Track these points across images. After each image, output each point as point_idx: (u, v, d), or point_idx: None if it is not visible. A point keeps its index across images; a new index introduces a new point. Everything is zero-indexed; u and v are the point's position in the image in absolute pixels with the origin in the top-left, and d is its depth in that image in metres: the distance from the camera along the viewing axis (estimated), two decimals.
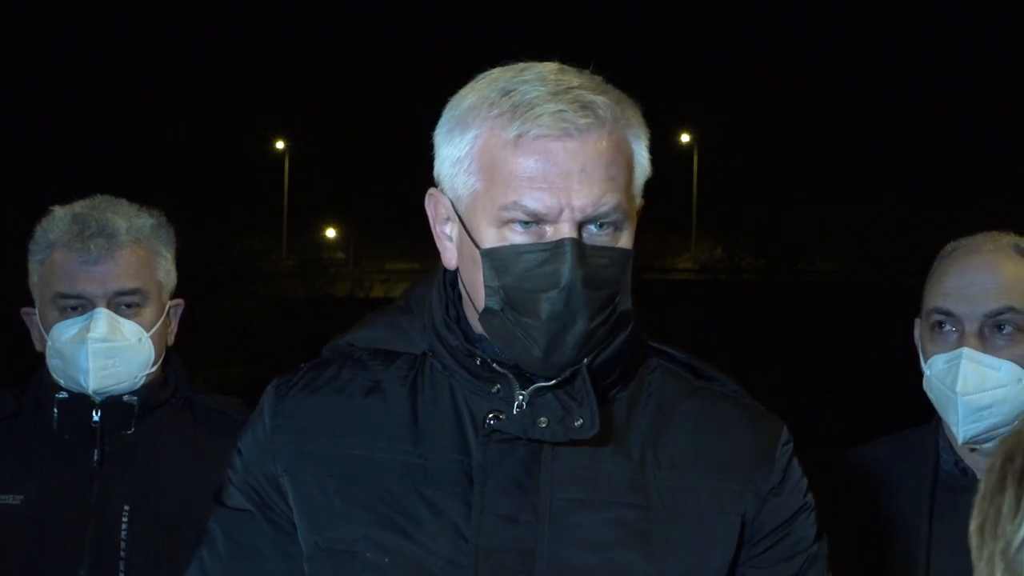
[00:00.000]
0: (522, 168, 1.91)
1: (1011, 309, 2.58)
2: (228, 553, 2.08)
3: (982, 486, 1.42)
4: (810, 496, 2.10)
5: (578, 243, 1.91)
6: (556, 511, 1.97)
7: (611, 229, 1.94)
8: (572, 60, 2.01)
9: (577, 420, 1.95)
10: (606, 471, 1.99)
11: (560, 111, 1.90)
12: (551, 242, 1.91)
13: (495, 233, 1.94)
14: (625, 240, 1.96)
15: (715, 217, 33.72)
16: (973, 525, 1.42)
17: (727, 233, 32.76)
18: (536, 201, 1.91)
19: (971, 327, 2.58)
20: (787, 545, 2.06)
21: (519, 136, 1.91)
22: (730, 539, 2.02)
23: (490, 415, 1.98)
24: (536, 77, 1.94)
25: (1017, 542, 1.35)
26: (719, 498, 2.02)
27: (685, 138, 36.24)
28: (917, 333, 2.69)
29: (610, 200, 1.92)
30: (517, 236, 1.93)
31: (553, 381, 1.97)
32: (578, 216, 1.91)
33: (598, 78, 1.98)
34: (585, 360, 1.96)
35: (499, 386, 1.99)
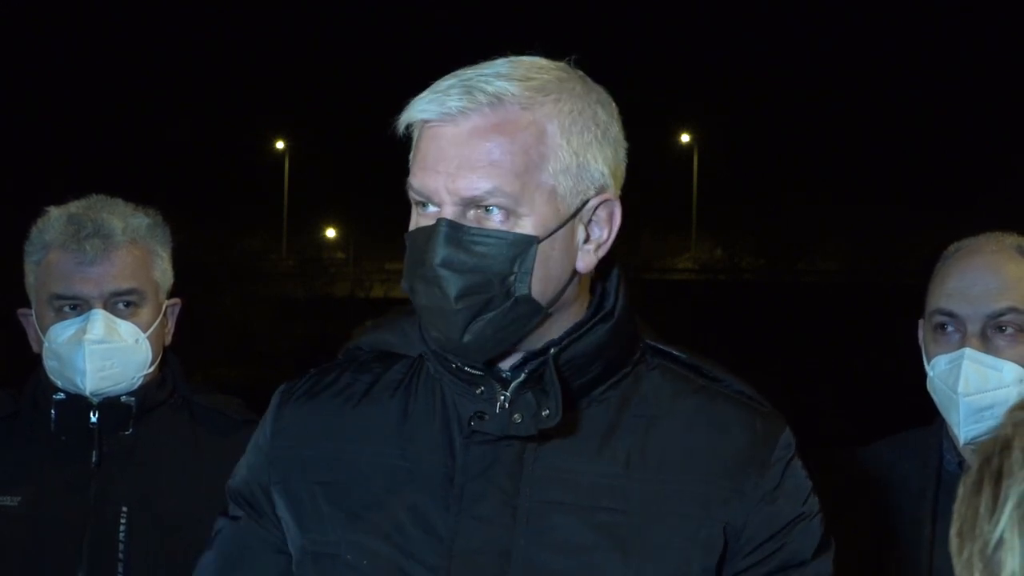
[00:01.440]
0: (416, 150, 1.96)
1: (1013, 310, 2.57)
2: (222, 561, 2.10)
3: (960, 490, 1.42)
4: (811, 504, 2.04)
5: (451, 224, 1.90)
6: (534, 513, 1.95)
7: (501, 213, 1.91)
8: (572, 60, 2.00)
9: (544, 411, 1.94)
10: (588, 473, 1.97)
11: (437, 95, 1.92)
12: (431, 224, 1.93)
13: (414, 216, 1.97)
14: (526, 226, 1.92)
15: (715, 217, 33.72)
16: (953, 529, 1.42)
17: (727, 233, 32.76)
18: (419, 182, 1.94)
19: (973, 328, 2.58)
20: (779, 560, 2.00)
21: (411, 120, 1.96)
22: (712, 545, 1.97)
23: (473, 416, 1.97)
24: (474, 67, 1.95)
25: (994, 541, 1.36)
26: (703, 502, 1.98)
27: (685, 138, 36.26)
28: (921, 334, 2.69)
29: (487, 184, 1.90)
30: (421, 219, 1.96)
31: (523, 376, 1.96)
32: (454, 198, 1.91)
33: (558, 69, 1.96)
34: (552, 351, 1.96)
35: (483, 388, 1.98)
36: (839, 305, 26.51)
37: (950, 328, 2.61)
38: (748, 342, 22.83)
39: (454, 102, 1.91)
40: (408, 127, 1.98)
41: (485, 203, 1.91)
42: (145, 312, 2.83)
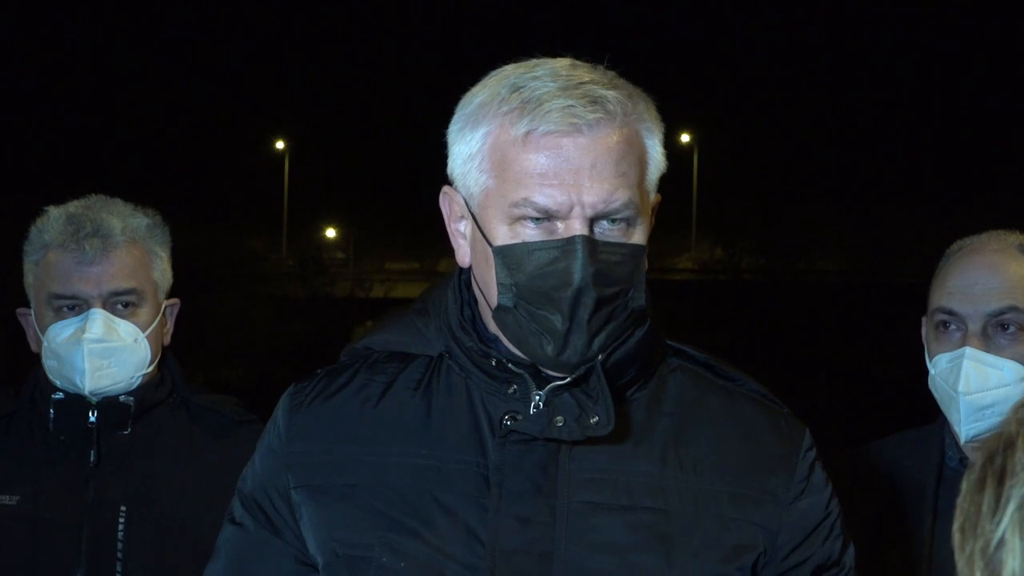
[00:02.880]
0: (532, 164, 1.89)
1: (1014, 308, 2.57)
2: (229, 569, 2.08)
3: (963, 486, 1.43)
4: (834, 505, 2.06)
5: (589, 240, 1.88)
6: (573, 513, 1.94)
7: (623, 225, 1.91)
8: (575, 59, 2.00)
9: (593, 417, 1.93)
10: (625, 472, 1.97)
11: (569, 106, 1.88)
12: (562, 239, 1.89)
13: (507, 230, 1.92)
14: (638, 236, 1.93)
15: (715, 217, 33.71)
16: (955, 525, 1.42)
17: (727, 233, 32.75)
18: (547, 198, 1.88)
19: (974, 326, 2.58)
20: (815, 562, 2.03)
21: (528, 132, 1.89)
22: (748, 546, 1.98)
23: (507, 416, 1.96)
24: (547, 73, 1.92)
25: (996, 540, 1.36)
26: (738, 503, 1.99)
27: (685, 138, 36.24)
28: (923, 332, 2.69)
29: (621, 196, 1.90)
30: (529, 232, 1.91)
31: (568, 379, 1.95)
32: (589, 212, 1.89)
33: (611, 73, 1.96)
34: (600, 357, 1.94)
35: (516, 387, 1.97)
36: (839, 305, 26.51)
37: (951, 326, 2.61)
38: (748, 342, 22.81)
39: (588, 113, 1.88)
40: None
41: (617, 216, 1.90)
42: (144, 312, 2.83)
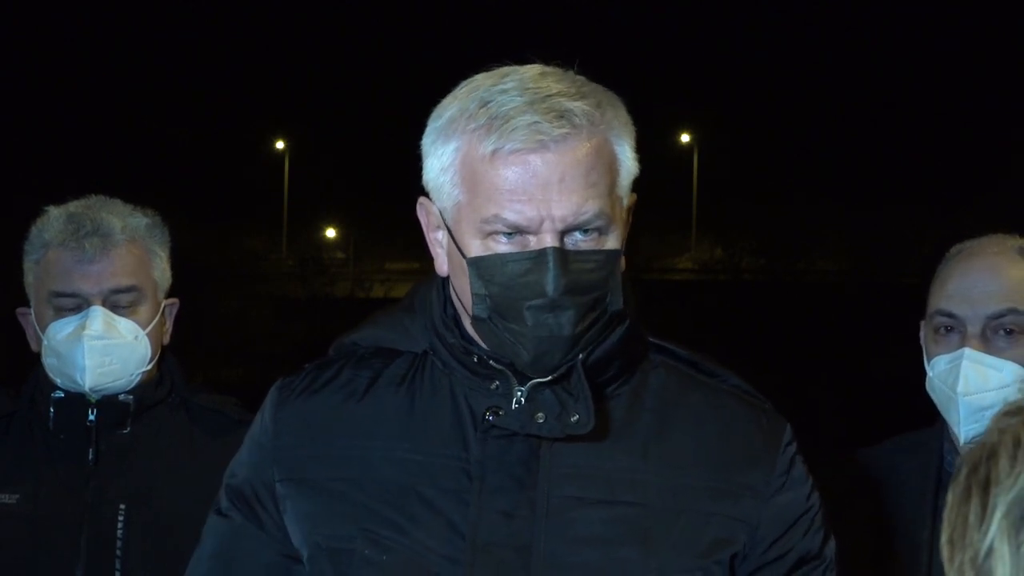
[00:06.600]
0: (501, 181, 1.91)
1: (1014, 311, 2.57)
2: (213, 561, 2.11)
3: (949, 498, 1.43)
4: (815, 499, 2.08)
5: (560, 251, 1.91)
6: (553, 507, 1.97)
7: (595, 234, 1.94)
8: (572, 60, 2.00)
9: (573, 416, 1.96)
10: (605, 468, 1.99)
11: (535, 123, 1.89)
12: (534, 251, 1.91)
13: (480, 244, 1.95)
14: (612, 242, 1.96)
15: (715, 217, 33.71)
16: (943, 537, 1.43)
17: (727, 233, 32.74)
18: (516, 214, 1.91)
19: (974, 329, 2.58)
20: (796, 555, 2.05)
21: (496, 150, 1.91)
22: (727, 540, 2.01)
23: (489, 411, 1.98)
24: (515, 86, 1.93)
25: (984, 549, 1.36)
26: (718, 497, 2.01)
27: (685, 138, 36.25)
28: (922, 335, 2.69)
29: (591, 207, 1.92)
30: (501, 247, 1.93)
31: (549, 377, 1.97)
32: (559, 226, 1.91)
33: (580, 79, 1.97)
34: (580, 356, 1.97)
35: (497, 383, 2.00)
36: (839, 305, 26.51)
37: (951, 329, 2.61)
38: (748, 342, 22.81)
39: (553, 129, 1.90)
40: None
41: (589, 227, 1.93)
42: (144, 310, 2.84)
